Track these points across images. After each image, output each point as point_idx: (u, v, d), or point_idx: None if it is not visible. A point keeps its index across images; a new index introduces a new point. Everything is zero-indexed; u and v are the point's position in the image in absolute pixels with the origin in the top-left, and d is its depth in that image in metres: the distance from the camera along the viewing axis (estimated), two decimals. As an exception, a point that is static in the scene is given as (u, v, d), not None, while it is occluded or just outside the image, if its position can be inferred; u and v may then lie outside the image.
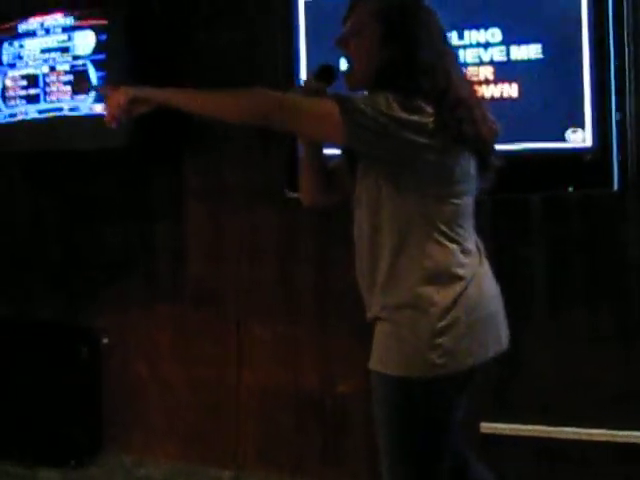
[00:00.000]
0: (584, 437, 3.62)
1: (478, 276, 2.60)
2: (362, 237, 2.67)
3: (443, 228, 2.55)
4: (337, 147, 2.82)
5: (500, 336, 2.66)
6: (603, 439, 3.60)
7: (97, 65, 4.19)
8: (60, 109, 4.32)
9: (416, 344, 2.51)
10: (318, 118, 2.49)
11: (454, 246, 2.56)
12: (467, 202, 2.62)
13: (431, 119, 2.46)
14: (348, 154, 2.75)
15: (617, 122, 3.41)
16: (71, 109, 4.29)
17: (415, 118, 2.45)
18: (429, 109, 2.47)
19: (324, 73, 2.74)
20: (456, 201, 2.57)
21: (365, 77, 2.63)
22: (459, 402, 2.63)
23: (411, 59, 2.53)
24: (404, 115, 2.44)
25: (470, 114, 2.54)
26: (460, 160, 2.55)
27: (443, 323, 2.50)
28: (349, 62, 2.68)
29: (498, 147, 2.69)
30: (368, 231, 2.63)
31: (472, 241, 2.65)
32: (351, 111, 2.43)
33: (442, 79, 2.52)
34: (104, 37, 4.16)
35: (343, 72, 2.71)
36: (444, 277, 2.53)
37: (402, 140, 2.45)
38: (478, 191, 2.66)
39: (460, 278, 2.54)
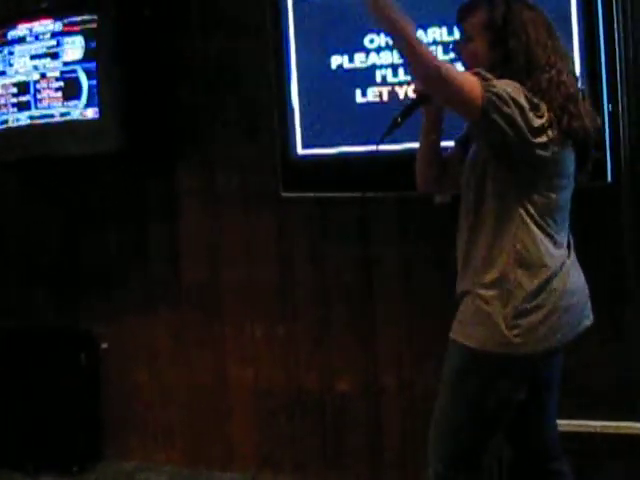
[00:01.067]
0: (581, 429, 3.62)
1: (565, 268, 2.73)
2: (464, 222, 2.82)
3: (538, 219, 2.68)
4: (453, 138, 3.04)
5: (577, 326, 2.77)
6: (600, 431, 3.61)
7: (88, 71, 4.17)
8: (51, 115, 4.31)
9: (497, 321, 2.66)
10: (466, 89, 2.58)
11: (546, 237, 2.69)
12: (564, 197, 2.74)
13: (545, 116, 2.60)
14: (461, 145, 2.95)
15: (609, 114, 3.40)
16: (62, 115, 4.28)
17: (532, 115, 2.58)
18: (543, 106, 2.60)
19: None
20: (553, 195, 2.70)
21: None
22: (525, 384, 2.75)
23: (523, 59, 2.67)
24: (526, 108, 2.57)
25: (577, 109, 2.66)
26: (565, 155, 2.68)
27: (526, 306, 2.65)
28: (464, 66, 2.82)
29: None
30: (470, 218, 2.78)
31: (564, 235, 2.78)
32: (489, 89, 2.56)
33: (554, 76, 2.65)
34: (93, 43, 4.15)
35: None
36: (534, 265, 2.67)
37: (520, 129, 2.56)
38: (575, 185, 2.79)
39: (548, 267, 2.68)
